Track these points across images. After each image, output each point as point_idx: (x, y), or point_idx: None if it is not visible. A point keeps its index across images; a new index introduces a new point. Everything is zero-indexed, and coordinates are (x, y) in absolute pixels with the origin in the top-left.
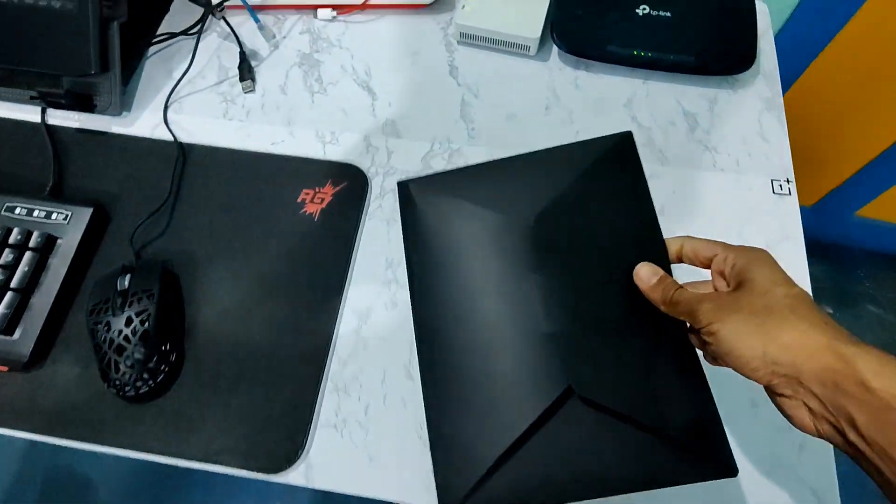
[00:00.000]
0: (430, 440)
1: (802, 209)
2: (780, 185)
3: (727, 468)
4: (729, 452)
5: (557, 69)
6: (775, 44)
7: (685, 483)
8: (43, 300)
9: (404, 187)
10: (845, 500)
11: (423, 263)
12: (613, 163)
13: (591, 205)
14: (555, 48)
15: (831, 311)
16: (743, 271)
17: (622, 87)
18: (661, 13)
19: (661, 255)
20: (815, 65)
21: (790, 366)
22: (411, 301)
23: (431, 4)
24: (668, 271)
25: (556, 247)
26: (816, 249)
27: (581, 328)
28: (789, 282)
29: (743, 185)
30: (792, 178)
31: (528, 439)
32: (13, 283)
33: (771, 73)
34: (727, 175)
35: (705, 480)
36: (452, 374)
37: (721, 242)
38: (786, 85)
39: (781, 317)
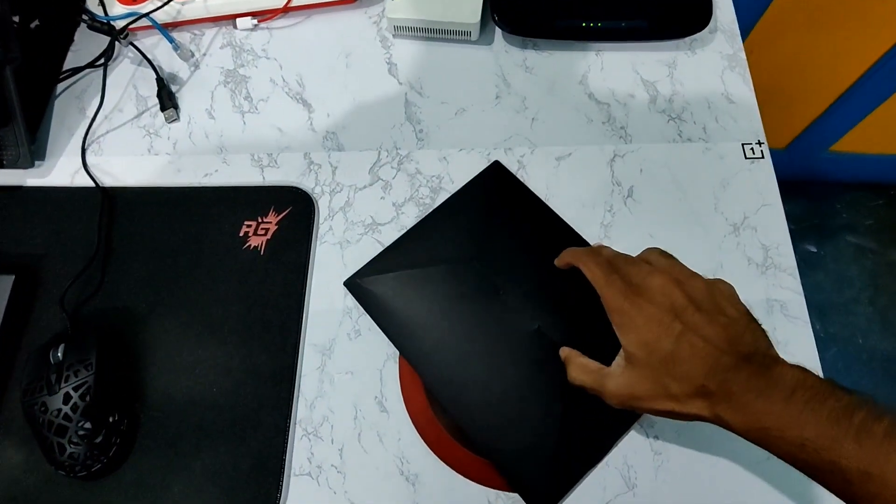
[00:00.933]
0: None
1: (777, 151)
2: (752, 149)
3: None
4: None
5: (503, 52)
6: None
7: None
8: None
9: (352, 283)
10: None
11: (402, 334)
12: (501, 188)
13: (501, 225)
14: (498, 30)
15: (814, 249)
16: (618, 333)
17: (575, 63)
18: None
19: (574, 240)
20: (774, 6)
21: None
22: (417, 369)
23: None
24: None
25: (500, 268)
26: (793, 188)
27: (556, 315)
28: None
29: (713, 154)
30: (763, 139)
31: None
32: None
33: (729, 27)
34: (695, 145)
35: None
36: (484, 405)
37: (597, 265)
38: (745, 31)
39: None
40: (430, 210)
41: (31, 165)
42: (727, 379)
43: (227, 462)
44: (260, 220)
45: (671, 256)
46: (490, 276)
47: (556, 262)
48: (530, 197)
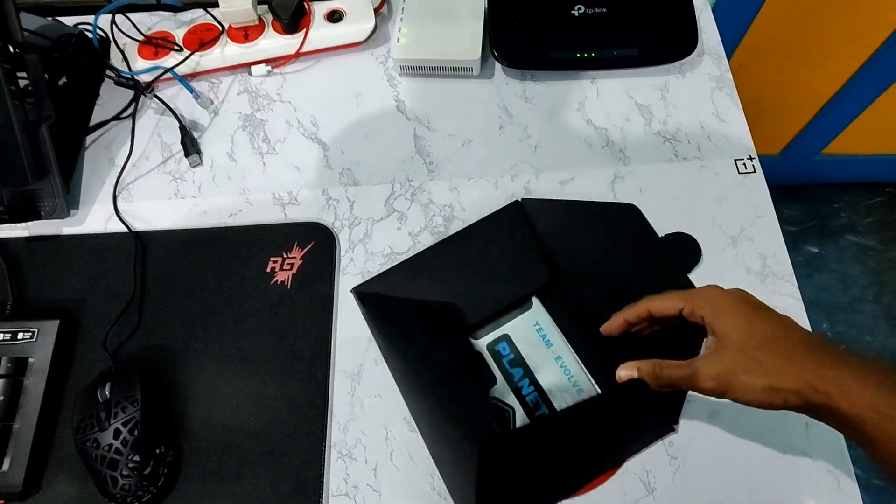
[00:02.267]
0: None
1: (771, 158)
2: (745, 164)
3: None
4: None
5: (504, 85)
6: (714, 16)
7: None
8: (25, 425)
9: (358, 293)
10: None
11: (388, 348)
12: (513, 228)
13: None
14: (497, 64)
15: (815, 250)
16: (714, 324)
17: (572, 92)
18: (597, 10)
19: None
20: (758, 21)
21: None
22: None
23: (365, 41)
24: None
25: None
26: (791, 192)
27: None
28: (762, 315)
29: (708, 171)
30: (754, 154)
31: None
32: None
33: (715, 49)
34: (691, 164)
35: None
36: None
37: (679, 294)
38: (731, 47)
39: (767, 352)
40: (447, 236)
41: (68, 215)
42: (820, 354)
43: (268, 487)
44: (285, 256)
45: None
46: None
47: (616, 324)
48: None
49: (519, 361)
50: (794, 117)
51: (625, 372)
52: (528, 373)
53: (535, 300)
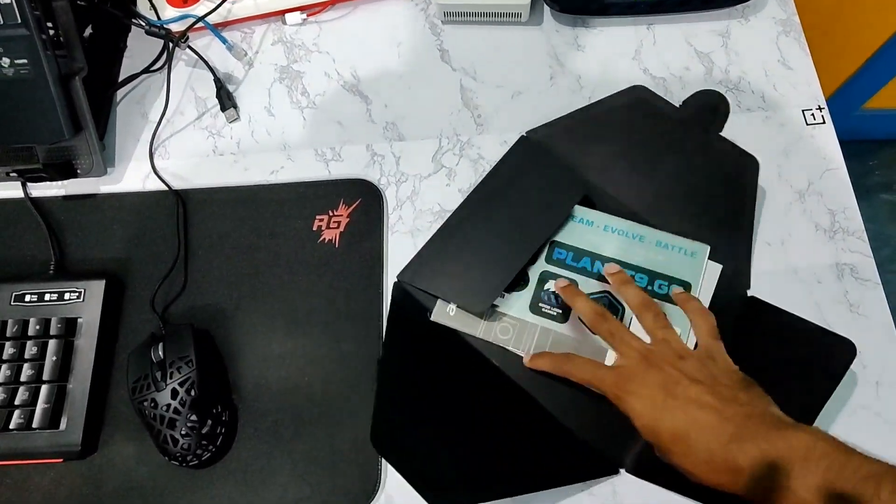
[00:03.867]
0: None
1: None
2: (813, 115)
3: None
4: None
5: (554, 32)
6: None
7: None
8: (80, 385)
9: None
10: None
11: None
12: (533, 165)
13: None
14: (547, 9)
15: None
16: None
17: (627, 39)
18: None
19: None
20: None
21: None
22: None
23: None
24: None
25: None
26: None
27: None
28: (671, 413)
29: (774, 122)
30: (823, 104)
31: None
32: (45, 376)
33: None
34: (755, 115)
35: None
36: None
37: (592, 371)
38: None
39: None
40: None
41: (105, 173)
42: (729, 450)
43: (326, 446)
44: (331, 214)
45: (664, 322)
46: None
47: (528, 364)
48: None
49: (580, 253)
50: (836, 70)
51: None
52: (594, 256)
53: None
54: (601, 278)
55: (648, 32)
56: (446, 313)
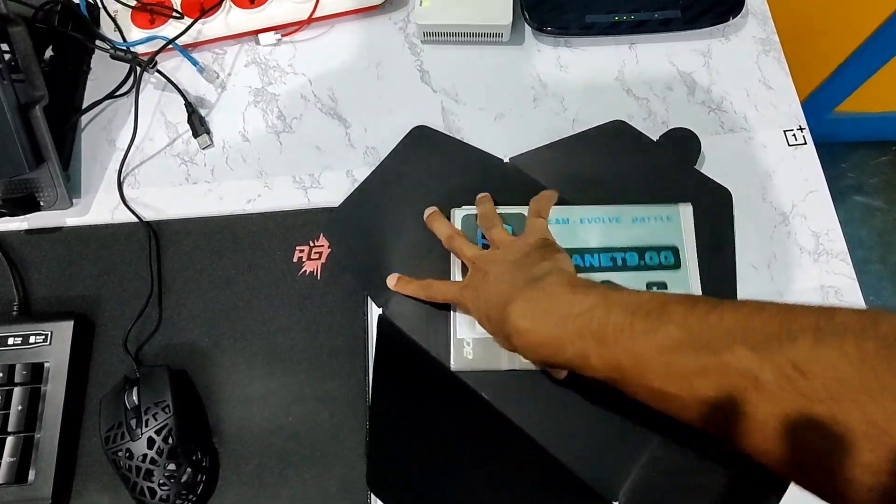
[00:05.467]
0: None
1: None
2: (794, 135)
3: None
4: None
5: (536, 52)
6: None
7: None
8: (48, 434)
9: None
10: None
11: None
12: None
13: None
14: (528, 29)
15: None
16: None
17: (610, 59)
18: None
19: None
20: None
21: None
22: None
23: (382, 5)
24: None
25: None
26: None
27: None
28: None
29: (757, 143)
30: (804, 123)
31: None
32: (11, 426)
33: (760, 8)
34: (738, 136)
35: None
36: None
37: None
38: None
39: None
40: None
41: (70, 205)
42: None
43: (313, 487)
44: (312, 244)
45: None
46: None
47: (395, 288)
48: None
49: (569, 253)
50: (808, 75)
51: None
52: (582, 251)
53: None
54: (598, 269)
55: (631, 52)
56: (465, 357)
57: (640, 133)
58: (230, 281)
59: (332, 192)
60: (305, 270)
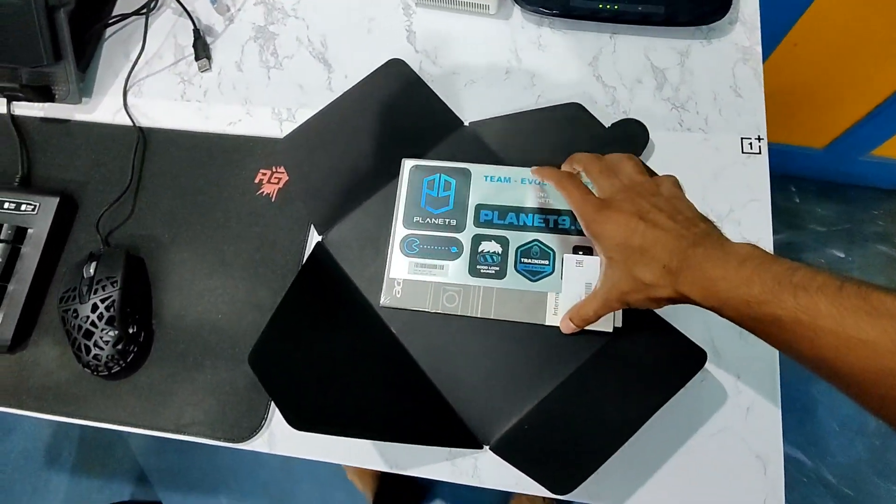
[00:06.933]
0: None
1: (813, 151)
2: (751, 144)
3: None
4: None
5: (520, 28)
6: None
7: None
8: (19, 287)
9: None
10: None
11: None
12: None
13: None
14: (517, 7)
15: (841, 255)
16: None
17: (588, 44)
18: None
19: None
20: (819, 1)
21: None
22: None
23: None
24: None
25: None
26: (829, 191)
27: None
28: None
29: (710, 145)
30: (764, 135)
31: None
32: None
33: (750, 18)
34: (693, 135)
35: None
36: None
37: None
38: (788, 22)
39: (638, 265)
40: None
41: (79, 102)
42: (686, 255)
43: (225, 379)
44: (274, 170)
45: (642, 170)
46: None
47: (534, 172)
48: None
49: (504, 210)
50: (847, 111)
51: (565, 324)
52: (518, 209)
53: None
54: (530, 229)
55: (610, 41)
56: (394, 296)
57: (594, 118)
58: (198, 190)
59: None
60: (263, 192)
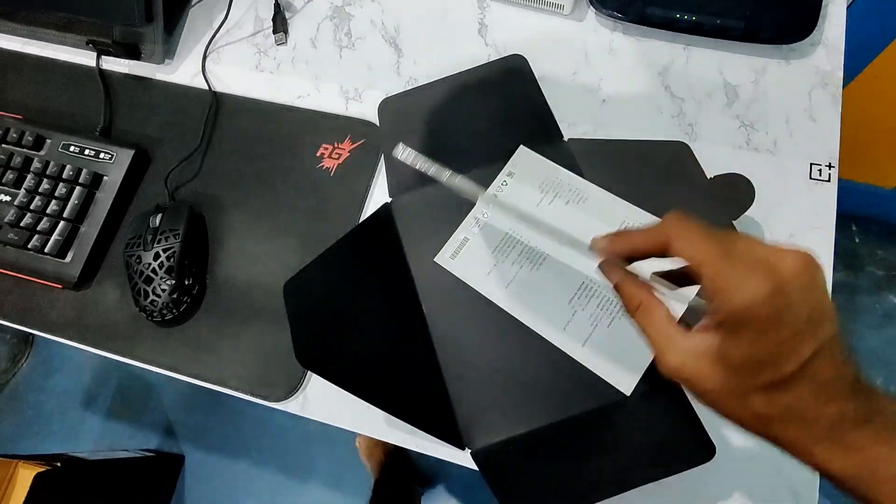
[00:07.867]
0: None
1: (880, 190)
2: (820, 171)
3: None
4: None
5: (592, 31)
6: (849, 11)
7: None
8: (91, 230)
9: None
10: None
11: None
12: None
13: None
14: (591, 9)
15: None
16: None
17: (660, 53)
18: None
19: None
20: None
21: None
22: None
23: None
24: None
25: None
26: (894, 233)
27: None
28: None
29: (778, 167)
30: (836, 163)
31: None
32: (66, 214)
33: (834, 42)
34: (760, 155)
35: None
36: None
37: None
38: (873, 51)
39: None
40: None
41: (162, 62)
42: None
43: (268, 342)
44: (336, 146)
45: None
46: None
47: (598, 268)
48: None
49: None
50: None
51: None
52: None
53: None
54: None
55: (683, 52)
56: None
57: (698, 164)
58: (261, 157)
59: (367, 107)
60: (323, 165)
